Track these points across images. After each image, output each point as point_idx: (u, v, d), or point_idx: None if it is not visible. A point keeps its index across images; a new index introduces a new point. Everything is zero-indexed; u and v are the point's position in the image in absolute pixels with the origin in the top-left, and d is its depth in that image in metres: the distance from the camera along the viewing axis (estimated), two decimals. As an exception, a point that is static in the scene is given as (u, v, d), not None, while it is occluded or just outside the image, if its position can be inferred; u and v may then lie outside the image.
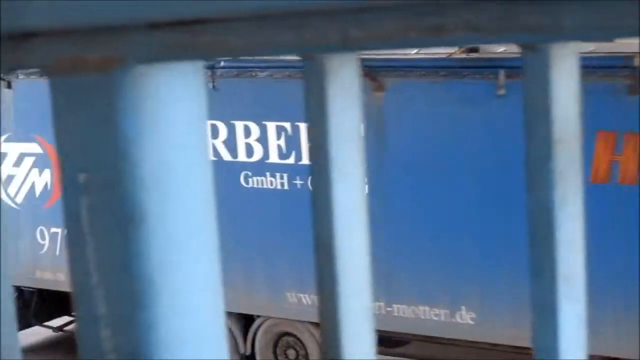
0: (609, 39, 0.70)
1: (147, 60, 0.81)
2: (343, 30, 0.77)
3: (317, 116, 0.80)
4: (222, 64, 9.86)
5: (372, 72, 8.95)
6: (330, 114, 0.80)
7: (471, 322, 9.47)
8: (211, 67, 9.69)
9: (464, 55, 9.37)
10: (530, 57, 0.74)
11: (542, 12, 0.70)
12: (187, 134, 0.84)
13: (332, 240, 0.82)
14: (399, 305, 9.72)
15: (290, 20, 0.78)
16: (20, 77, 10.66)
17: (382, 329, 8.81)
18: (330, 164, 0.81)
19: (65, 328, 12.24)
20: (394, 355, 10.20)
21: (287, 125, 9.74)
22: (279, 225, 9.94)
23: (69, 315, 11.76)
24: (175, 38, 0.81)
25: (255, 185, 10.14)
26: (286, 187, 9.94)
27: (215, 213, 0.87)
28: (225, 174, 9.85)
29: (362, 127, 0.81)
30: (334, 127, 0.80)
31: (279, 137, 9.84)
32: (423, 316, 9.65)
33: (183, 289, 0.85)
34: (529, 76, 0.74)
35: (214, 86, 9.76)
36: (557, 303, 0.77)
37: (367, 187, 0.87)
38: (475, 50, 9.53)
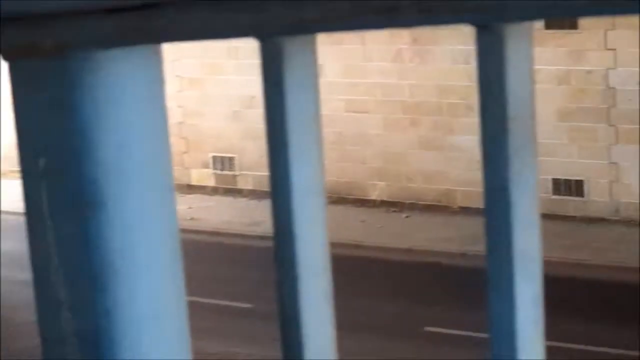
0: None
1: (102, 44, 0.81)
2: (298, 12, 0.77)
3: (273, 99, 0.80)
4: None
5: None
6: (287, 96, 0.80)
7: None
8: None
9: None
10: (484, 36, 0.74)
11: None
12: (145, 117, 0.84)
13: (291, 223, 0.82)
14: None
15: (245, 2, 0.79)
16: None
17: None
18: (287, 147, 0.81)
19: None
20: None
21: None
22: None
23: None
24: (129, 23, 0.82)
25: None
26: None
27: (173, 196, 0.87)
28: None
29: (319, 109, 0.82)
30: (291, 110, 0.80)
31: None
32: None
33: (143, 273, 0.85)
34: (482, 55, 0.74)
35: None
36: (513, 281, 0.77)
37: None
38: None
